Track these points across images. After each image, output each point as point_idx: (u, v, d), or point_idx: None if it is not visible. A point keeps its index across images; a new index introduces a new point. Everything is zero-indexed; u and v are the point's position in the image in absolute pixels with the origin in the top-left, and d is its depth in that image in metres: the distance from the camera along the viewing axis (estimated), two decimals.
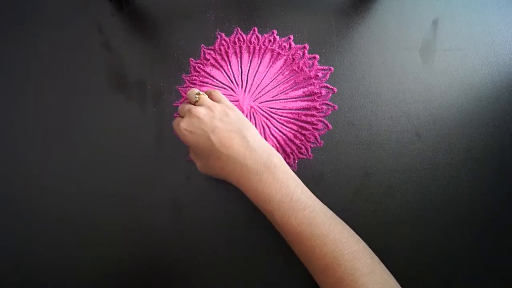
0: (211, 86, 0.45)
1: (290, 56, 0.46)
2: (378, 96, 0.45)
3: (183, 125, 0.36)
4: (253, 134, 0.36)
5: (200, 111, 0.36)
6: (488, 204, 0.43)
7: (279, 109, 0.45)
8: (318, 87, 0.45)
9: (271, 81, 0.45)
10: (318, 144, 0.44)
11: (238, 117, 0.37)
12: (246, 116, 0.45)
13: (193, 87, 0.45)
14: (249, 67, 0.46)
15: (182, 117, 0.39)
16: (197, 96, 0.39)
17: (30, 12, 0.47)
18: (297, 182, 0.33)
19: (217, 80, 0.46)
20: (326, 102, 0.45)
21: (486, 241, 0.43)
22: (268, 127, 0.44)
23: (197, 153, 0.38)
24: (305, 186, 0.34)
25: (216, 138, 0.34)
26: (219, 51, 0.46)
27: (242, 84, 0.45)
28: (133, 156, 0.44)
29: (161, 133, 0.44)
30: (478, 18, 0.46)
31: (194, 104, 0.39)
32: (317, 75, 0.45)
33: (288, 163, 0.44)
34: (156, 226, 0.43)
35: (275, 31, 0.46)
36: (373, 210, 0.43)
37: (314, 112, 0.44)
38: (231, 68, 0.46)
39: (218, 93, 0.41)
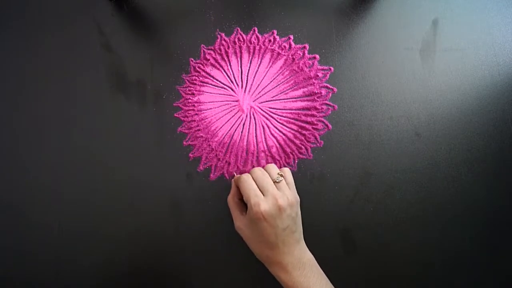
0: (211, 86, 0.45)
1: (290, 56, 0.46)
2: (378, 96, 0.45)
3: (263, 210, 0.35)
4: (301, 230, 0.39)
5: (284, 205, 0.36)
6: (488, 204, 0.43)
7: (279, 109, 0.45)
8: (318, 87, 0.45)
9: (271, 81, 0.45)
10: (318, 144, 0.44)
11: (299, 214, 0.39)
12: (246, 116, 0.45)
13: (193, 87, 0.45)
14: (249, 67, 0.46)
15: (257, 184, 0.37)
16: (279, 177, 0.38)
17: (30, 12, 0.47)
18: (324, 275, 0.38)
19: (217, 80, 0.46)
20: (326, 102, 0.45)
21: (486, 241, 0.43)
22: (268, 127, 0.44)
23: (253, 234, 0.37)
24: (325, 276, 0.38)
25: (282, 236, 0.36)
26: (219, 51, 0.46)
27: (242, 84, 0.45)
28: (133, 156, 0.44)
29: (161, 133, 0.44)
30: (478, 18, 0.46)
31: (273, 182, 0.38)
32: (317, 75, 0.45)
33: (288, 163, 0.44)
34: (156, 226, 0.43)
35: (275, 31, 0.46)
36: (373, 210, 0.43)
37: (314, 112, 0.44)
38: (231, 68, 0.46)
39: (290, 174, 0.40)
